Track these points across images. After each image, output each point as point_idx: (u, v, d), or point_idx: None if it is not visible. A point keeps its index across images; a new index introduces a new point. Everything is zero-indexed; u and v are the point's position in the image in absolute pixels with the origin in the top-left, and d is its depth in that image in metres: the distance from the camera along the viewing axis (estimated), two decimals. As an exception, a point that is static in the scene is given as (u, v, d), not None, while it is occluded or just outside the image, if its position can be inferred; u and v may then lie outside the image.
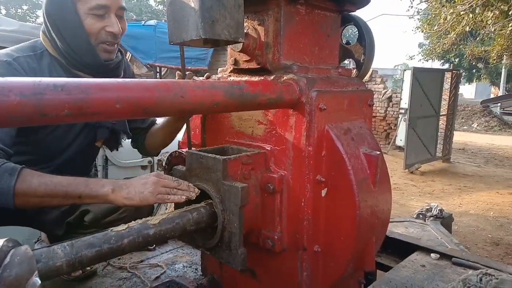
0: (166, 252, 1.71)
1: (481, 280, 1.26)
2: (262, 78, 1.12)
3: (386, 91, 11.26)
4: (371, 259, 1.12)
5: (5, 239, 0.73)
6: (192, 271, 1.53)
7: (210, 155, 1.07)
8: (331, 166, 1.06)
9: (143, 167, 2.96)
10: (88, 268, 1.51)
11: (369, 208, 1.06)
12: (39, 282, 0.73)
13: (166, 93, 0.73)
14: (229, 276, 1.35)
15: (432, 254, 1.67)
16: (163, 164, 1.55)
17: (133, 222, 0.94)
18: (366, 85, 1.29)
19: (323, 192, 1.08)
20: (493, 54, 11.23)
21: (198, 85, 0.80)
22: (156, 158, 3.00)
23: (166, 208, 2.93)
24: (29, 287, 0.73)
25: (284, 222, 1.12)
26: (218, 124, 1.31)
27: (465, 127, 17.74)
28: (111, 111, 0.65)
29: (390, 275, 1.51)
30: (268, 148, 1.14)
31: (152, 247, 1.72)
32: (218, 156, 1.05)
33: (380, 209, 1.12)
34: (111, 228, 0.90)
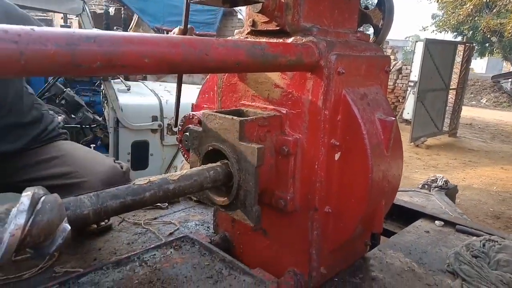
0: (179, 211, 1.77)
1: (484, 245, 1.31)
2: (281, 40, 1.12)
3: (396, 63, 11.07)
4: (379, 221, 1.17)
5: (36, 187, 0.77)
6: (204, 229, 1.60)
7: (227, 116, 1.09)
8: (346, 131, 1.07)
9: (153, 131, 3.00)
10: (103, 223, 1.57)
11: (381, 172, 1.09)
12: (69, 227, 0.78)
13: (191, 49, 0.74)
14: (240, 234, 1.40)
15: (436, 221, 1.72)
16: (177, 127, 1.57)
17: (153, 177, 0.98)
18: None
19: (337, 156, 1.10)
20: (509, 27, 10.91)
21: (221, 43, 0.80)
22: (165, 122, 3.03)
23: (182, 161, 2.98)
24: (59, 232, 0.77)
25: (296, 184, 1.16)
26: (233, 87, 1.32)
27: (473, 102, 17.52)
28: (139, 65, 0.66)
29: (394, 239, 1.56)
30: (284, 112, 1.15)
31: (165, 205, 1.78)
32: (235, 117, 1.07)
33: (391, 174, 1.15)
34: (133, 182, 0.94)
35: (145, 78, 5.37)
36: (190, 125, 1.51)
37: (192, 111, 1.61)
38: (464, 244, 1.34)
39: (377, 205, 1.14)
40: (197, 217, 1.70)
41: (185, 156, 1.57)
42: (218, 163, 1.12)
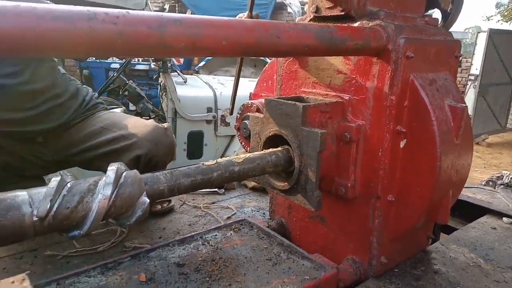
0: (235, 197, 1.82)
1: (562, 244, 1.21)
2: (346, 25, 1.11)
3: (455, 55, 10.36)
4: (445, 212, 1.12)
5: (118, 163, 0.84)
6: (260, 214, 1.63)
7: (290, 102, 1.10)
8: (413, 117, 1.05)
9: (208, 122, 3.10)
10: (165, 204, 1.66)
11: (449, 161, 1.05)
12: (148, 201, 0.84)
13: (264, 33, 0.76)
14: (297, 220, 1.42)
15: (504, 218, 1.62)
16: (235, 115, 1.62)
17: (220, 159, 1.02)
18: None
19: (402, 143, 1.08)
20: None
21: (292, 27, 0.82)
22: (219, 113, 3.12)
23: (235, 151, 3.06)
24: (139, 204, 0.83)
25: (358, 171, 1.15)
26: (293, 75, 1.33)
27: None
28: (218, 48, 0.70)
29: (458, 234, 1.50)
30: (346, 98, 1.14)
31: (221, 191, 1.85)
32: (298, 102, 1.08)
33: (460, 163, 1.10)
34: (202, 162, 0.98)
35: (197, 72, 5.55)
36: (248, 113, 1.55)
37: (249, 99, 1.65)
38: (539, 242, 1.25)
39: (444, 195, 1.10)
40: (252, 203, 1.75)
41: (243, 143, 1.61)
42: (279, 148, 1.14)
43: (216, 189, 1.83)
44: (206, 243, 1.27)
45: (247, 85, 3.69)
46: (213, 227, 1.35)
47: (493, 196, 2.21)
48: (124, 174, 0.82)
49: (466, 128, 1.09)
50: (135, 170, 0.85)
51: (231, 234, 1.34)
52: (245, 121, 1.54)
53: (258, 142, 1.24)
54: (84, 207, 0.74)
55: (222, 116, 3.07)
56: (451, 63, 1.17)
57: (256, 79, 4.48)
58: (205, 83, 3.28)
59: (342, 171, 1.16)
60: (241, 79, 4.51)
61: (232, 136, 3.20)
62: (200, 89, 3.13)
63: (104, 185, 0.77)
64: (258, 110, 1.50)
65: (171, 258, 1.17)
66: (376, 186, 1.12)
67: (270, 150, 1.13)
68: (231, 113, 1.65)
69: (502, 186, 2.35)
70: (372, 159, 1.11)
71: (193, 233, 1.30)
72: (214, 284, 1.05)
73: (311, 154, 1.06)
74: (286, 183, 1.15)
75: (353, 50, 0.95)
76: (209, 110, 3.02)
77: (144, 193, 0.84)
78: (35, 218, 0.68)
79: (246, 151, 1.60)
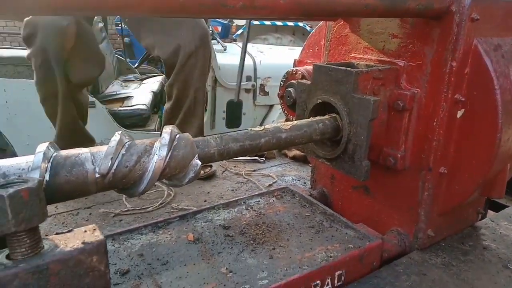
0: (275, 165, 1.83)
1: None
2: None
3: None
4: (502, 187, 1.07)
5: (172, 125, 0.85)
6: (301, 183, 1.64)
7: (341, 67, 1.07)
8: (474, 85, 0.98)
9: (247, 91, 3.08)
10: (208, 169, 1.70)
11: (511, 132, 0.98)
12: (200, 163, 0.85)
13: (323, -9, 0.72)
14: (339, 190, 1.41)
15: None
16: (280, 82, 1.59)
17: (267, 125, 1.02)
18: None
19: (460, 113, 1.02)
20: None
21: (351, -15, 0.77)
22: (259, 82, 3.10)
23: (273, 121, 3.06)
24: (192, 166, 0.85)
25: (409, 141, 1.10)
26: (343, 39, 1.28)
27: None
28: (276, 7, 0.67)
29: (509, 211, 1.43)
30: (401, 64, 1.09)
31: (262, 160, 1.86)
32: (350, 68, 1.04)
33: (523, 136, 1.03)
34: (250, 128, 0.99)
35: (235, 41, 5.48)
36: (293, 80, 1.52)
37: (294, 66, 1.61)
38: None
39: (501, 168, 1.04)
40: (293, 172, 1.75)
41: (286, 112, 1.59)
42: (327, 116, 1.12)
43: (256, 157, 1.85)
44: (249, 208, 1.29)
45: (287, 53, 3.62)
46: (256, 193, 1.37)
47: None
48: (177, 136, 0.83)
49: (532, 98, 1.01)
50: (187, 134, 0.87)
51: (273, 200, 1.35)
52: (289, 89, 1.51)
53: (304, 110, 1.22)
54: (141, 166, 0.77)
55: (261, 85, 3.05)
56: (521, 26, 1.07)
57: (295, 47, 4.38)
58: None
59: (392, 141, 1.12)
60: (280, 47, 4.41)
61: (271, 106, 3.18)
62: (239, 57, 3.09)
63: (160, 147, 0.79)
64: (303, 77, 1.46)
65: (217, 220, 1.21)
66: (428, 157, 1.08)
67: (318, 117, 1.11)
68: (239, 85, 1.70)
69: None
70: (426, 129, 1.06)
71: (236, 198, 1.33)
72: (259, 247, 1.08)
73: (361, 122, 1.03)
74: (332, 151, 1.13)
75: (415, 11, 0.89)
76: (248, 78, 2.99)
77: (196, 155, 0.86)
78: (97, 175, 0.71)
79: (289, 120, 1.58)
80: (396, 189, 1.18)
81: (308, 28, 6.28)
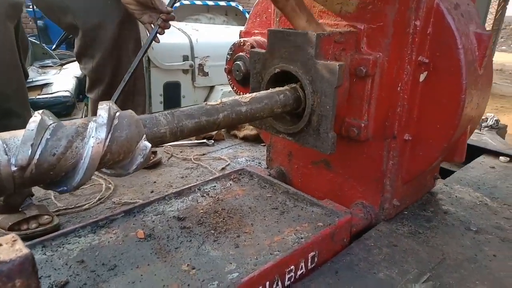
0: (226, 147, 1.70)
1: None
2: None
3: None
4: (463, 150, 1.07)
5: (109, 101, 0.69)
6: (256, 164, 1.53)
7: (300, 32, 0.96)
8: (437, 46, 0.94)
9: (185, 71, 2.87)
10: (152, 156, 1.52)
11: (473, 93, 0.97)
12: (149, 145, 0.70)
13: None
14: (298, 167, 1.33)
15: (501, 157, 1.61)
16: (227, 56, 1.45)
17: (224, 98, 0.89)
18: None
19: (422, 76, 0.98)
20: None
21: None
22: (197, 62, 2.90)
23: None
24: (139, 150, 0.70)
25: (372, 110, 1.05)
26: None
27: (503, 47, 16.51)
28: None
29: (459, 175, 1.47)
30: (361, 27, 1.02)
31: (211, 142, 1.72)
32: (311, 32, 0.94)
33: (481, 95, 1.02)
34: (205, 102, 0.85)
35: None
36: (241, 53, 1.39)
37: (240, 37, 1.48)
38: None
39: (463, 131, 1.03)
40: (245, 153, 1.64)
41: (235, 88, 1.47)
42: (286, 87, 1.02)
43: (204, 140, 1.70)
44: (205, 194, 1.16)
45: (225, 31, 3.44)
46: (210, 178, 1.24)
47: (480, 138, 2.23)
48: (118, 114, 0.67)
49: (489, 57, 1.00)
50: (130, 110, 0.71)
51: (230, 184, 1.24)
52: (238, 62, 1.38)
53: (259, 82, 1.11)
54: (74, 153, 0.60)
55: (200, 65, 2.86)
56: (474, -14, 1.05)
57: (231, 26, 4.21)
58: (178, 29, 3.01)
59: (354, 110, 1.06)
60: (215, 26, 4.21)
61: (211, 87, 3.01)
62: (173, 35, 2.86)
63: (96, 127, 0.63)
64: (252, 48, 1.34)
65: (169, 212, 1.06)
66: (393, 125, 1.03)
67: (278, 89, 1.01)
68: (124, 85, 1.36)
69: (486, 128, 2.38)
70: (390, 96, 1.01)
71: (189, 185, 1.19)
72: (221, 236, 0.96)
73: (326, 90, 0.94)
74: (294, 125, 1.04)
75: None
76: (185, 58, 2.78)
77: (144, 136, 0.71)
78: (13, 168, 0.53)
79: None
80: (359, 160, 1.13)
81: (241, 8, 6.13)
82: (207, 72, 2.93)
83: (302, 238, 0.94)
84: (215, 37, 3.17)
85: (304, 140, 1.03)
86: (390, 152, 1.06)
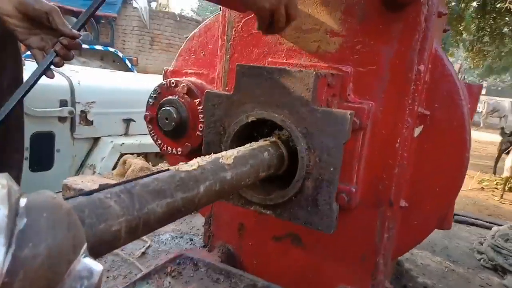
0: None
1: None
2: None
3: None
4: (451, 215, 0.94)
5: (2, 175, 0.30)
6: (186, 242, 1.15)
7: (293, 69, 0.72)
8: (436, 95, 0.81)
9: (61, 119, 2.28)
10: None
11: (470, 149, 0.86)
12: (101, 268, 0.32)
13: None
14: (253, 245, 1.02)
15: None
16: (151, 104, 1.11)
17: (198, 158, 0.56)
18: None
19: (417, 131, 0.83)
20: None
21: None
22: (78, 109, 2.36)
23: (103, 159, 2.30)
24: (73, 277, 0.31)
25: (361, 170, 0.85)
26: (254, 39, 0.94)
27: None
28: None
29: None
30: (347, 70, 0.83)
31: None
32: (306, 70, 0.71)
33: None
34: (175, 167, 0.50)
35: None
36: (171, 96, 1.07)
37: (165, 78, 1.15)
38: (498, 235, 1.21)
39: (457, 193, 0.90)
40: (169, 226, 1.24)
41: (159, 142, 1.11)
42: (267, 142, 0.74)
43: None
44: (136, 308, 0.74)
45: (112, 76, 2.93)
46: (138, 277, 0.82)
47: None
48: (25, 202, 0.29)
49: (473, 111, 0.93)
50: (47, 192, 0.33)
51: (169, 283, 0.84)
52: (167, 108, 1.05)
53: (220, 134, 0.80)
54: None
55: (82, 112, 2.31)
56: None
57: (116, 71, 3.73)
58: (53, 69, 2.43)
59: (343, 171, 0.83)
60: (97, 69, 3.69)
61: (96, 139, 2.45)
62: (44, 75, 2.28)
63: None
64: (189, 91, 1.03)
65: None
66: (389, 189, 0.84)
67: (257, 144, 0.72)
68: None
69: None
70: (385, 153, 0.83)
71: (106, 294, 0.75)
72: None
73: (329, 146, 0.70)
74: (277, 194, 0.75)
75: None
76: (63, 103, 2.20)
77: (85, 246, 0.33)
78: None
79: (164, 154, 1.12)
80: (345, 234, 0.89)
81: (120, 54, 5.68)
82: (92, 121, 2.40)
83: None
84: (102, 80, 2.70)
85: (291, 215, 0.75)
86: (385, 223, 0.85)
